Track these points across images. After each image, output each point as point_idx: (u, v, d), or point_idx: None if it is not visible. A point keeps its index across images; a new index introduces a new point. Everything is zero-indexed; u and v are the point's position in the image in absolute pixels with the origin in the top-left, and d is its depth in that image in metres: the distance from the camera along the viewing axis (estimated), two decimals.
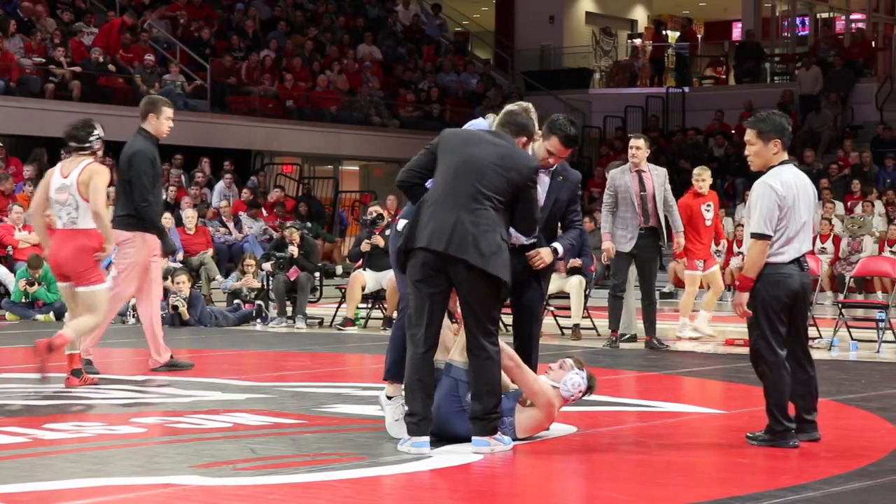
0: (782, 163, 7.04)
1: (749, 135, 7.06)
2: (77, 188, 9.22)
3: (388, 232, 14.64)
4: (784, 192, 6.93)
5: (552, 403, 7.05)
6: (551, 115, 7.67)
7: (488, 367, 6.69)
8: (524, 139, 7.04)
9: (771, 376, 6.93)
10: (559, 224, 7.67)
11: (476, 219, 6.65)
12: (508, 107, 7.22)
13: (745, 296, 6.98)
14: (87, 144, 9.38)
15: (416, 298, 6.71)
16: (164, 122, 10.25)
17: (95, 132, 9.42)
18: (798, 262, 6.99)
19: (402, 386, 6.98)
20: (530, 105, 7.25)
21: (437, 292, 6.70)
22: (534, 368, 7.54)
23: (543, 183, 7.46)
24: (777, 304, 6.92)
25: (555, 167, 7.59)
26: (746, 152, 7.14)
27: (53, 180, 9.40)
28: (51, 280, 16.85)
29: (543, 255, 7.37)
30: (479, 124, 7.37)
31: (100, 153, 9.52)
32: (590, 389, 7.20)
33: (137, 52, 24.35)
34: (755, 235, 6.93)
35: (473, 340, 6.70)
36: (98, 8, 25.76)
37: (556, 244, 7.45)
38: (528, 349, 7.52)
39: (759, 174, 7.13)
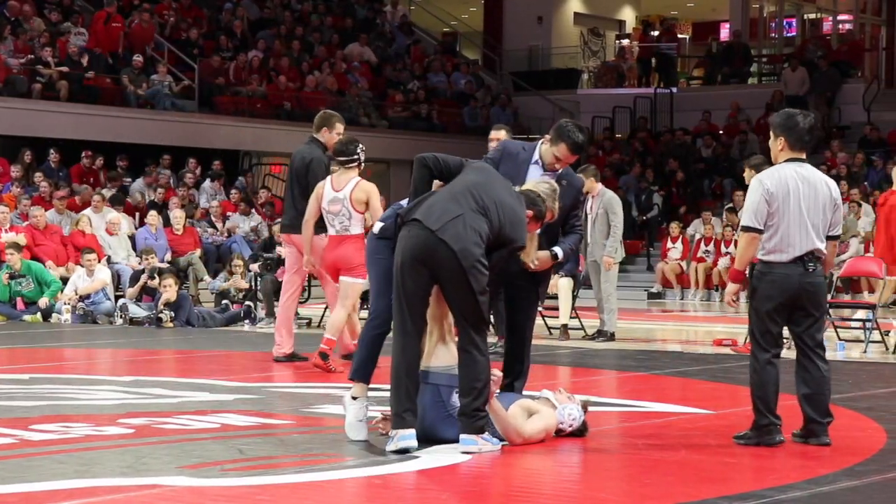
0: (788, 160, 7.05)
1: None
2: (350, 202, 10.16)
3: None
4: (774, 188, 6.93)
5: (549, 433, 7.12)
6: (560, 120, 7.74)
7: (480, 364, 6.67)
8: (531, 213, 7.07)
9: (758, 370, 6.98)
10: (560, 229, 7.66)
11: (477, 224, 6.65)
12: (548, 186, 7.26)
13: (734, 287, 7.20)
14: (355, 157, 10.27)
15: (398, 292, 6.69)
16: (335, 136, 10.97)
17: (360, 146, 10.39)
18: (802, 261, 6.97)
19: (367, 386, 7.08)
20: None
21: (417, 291, 6.66)
22: (526, 369, 7.59)
23: None
24: (769, 305, 6.94)
25: (559, 172, 7.59)
26: None
27: (325, 193, 10.26)
28: (39, 279, 16.78)
29: (541, 258, 7.38)
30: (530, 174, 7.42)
31: (363, 165, 10.39)
32: (579, 432, 7.23)
33: (135, 39, 24.42)
34: (743, 228, 7.02)
35: (465, 337, 6.69)
36: (86, 8, 25.70)
37: (556, 248, 7.45)
38: (520, 349, 7.55)
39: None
